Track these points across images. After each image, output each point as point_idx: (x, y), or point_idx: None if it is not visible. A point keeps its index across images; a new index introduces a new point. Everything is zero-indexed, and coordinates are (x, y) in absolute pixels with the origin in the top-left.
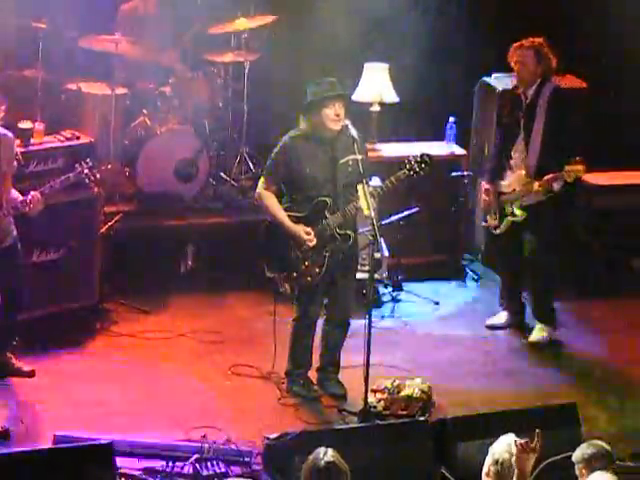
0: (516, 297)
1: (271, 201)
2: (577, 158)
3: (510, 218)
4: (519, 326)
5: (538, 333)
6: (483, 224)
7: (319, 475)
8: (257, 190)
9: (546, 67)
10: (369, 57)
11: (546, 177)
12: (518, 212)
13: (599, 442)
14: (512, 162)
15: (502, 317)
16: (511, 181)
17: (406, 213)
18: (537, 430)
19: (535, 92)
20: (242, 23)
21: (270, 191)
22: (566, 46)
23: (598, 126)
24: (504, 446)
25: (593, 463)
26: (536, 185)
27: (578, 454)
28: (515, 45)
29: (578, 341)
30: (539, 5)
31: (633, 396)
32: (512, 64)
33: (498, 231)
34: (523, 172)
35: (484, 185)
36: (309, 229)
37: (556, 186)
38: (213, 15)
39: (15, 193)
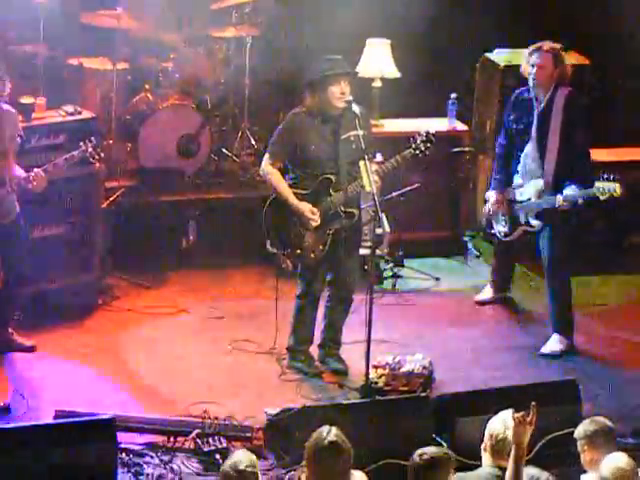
0: (502, 274)
1: (276, 177)
2: (612, 176)
3: (524, 228)
4: (504, 301)
5: (553, 345)
6: (489, 231)
7: (322, 453)
8: (262, 166)
9: (562, 72)
10: (371, 32)
11: (571, 193)
12: (534, 222)
13: (601, 419)
14: (522, 168)
15: (487, 292)
16: (526, 190)
17: (407, 189)
18: (533, 403)
19: (550, 97)
20: None
21: (275, 167)
22: (570, 23)
23: (600, 103)
24: (502, 421)
25: (595, 439)
26: (559, 200)
27: (580, 430)
28: (533, 47)
29: (583, 317)
30: None
31: (632, 372)
32: (527, 66)
33: (509, 238)
34: (540, 182)
35: (493, 195)
36: (314, 208)
37: (580, 200)
38: None
39: (18, 170)
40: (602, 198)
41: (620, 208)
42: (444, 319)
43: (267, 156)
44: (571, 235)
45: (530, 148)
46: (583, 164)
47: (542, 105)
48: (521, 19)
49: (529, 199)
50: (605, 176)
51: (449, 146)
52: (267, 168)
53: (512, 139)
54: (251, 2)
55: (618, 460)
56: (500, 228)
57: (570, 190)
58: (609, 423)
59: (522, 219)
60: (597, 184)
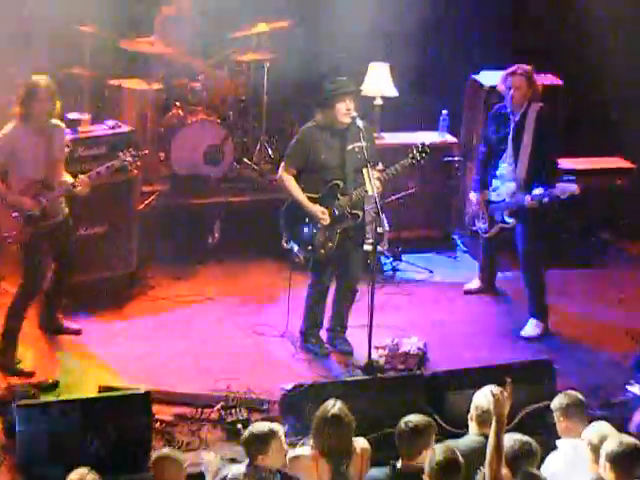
0: (487, 269)
1: (291, 183)
2: (571, 176)
3: (501, 225)
4: (489, 291)
5: (531, 329)
6: (473, 228)
7: (326, 424)
8: (279, 173)
9: (534, 91)
10: (373, 57)
11: (537, 193)
12: (509, 220)
13: (573, 392)
14: (499, 173)
15: (475, 283)
16: (501, 192)
17: (404, 193)
18: (508, 380)
19: (523, 113)
20: (262, 27)
21: (290, 174)
22: (548, 48)
23: (571, 118)
24: (486, 395)
25: (569, 410)
26: (527, 199)
27: (556, 403)
28: (508, 72)
29: (556, 304)
30: (524, 11)
31: (599, 351)
32: (504, 88)
33: (488, 235)
34: (513, 185)
35: (473, 195)
36: (324, 209)
37: (546, 199)
38: (238, 19)
39: (66, 176)
40: (562, 197)
41: (589, 209)
42: (437, 307)
43: (283, 164)
44: (543, 232)
45: (506, 155)
46: (549, 169)
47: (517, 119)
48: (505, 41)
49: (504, 200)
50: (565, 178)
51: (441, 156)
52: (283, 175)
53: (491, 148)
54: (268, 31)
55: (602, 427)
56: (481, 225)
57: (537, 191)
58: (580, 396)
59: (498, 217)
60: (558, 185)
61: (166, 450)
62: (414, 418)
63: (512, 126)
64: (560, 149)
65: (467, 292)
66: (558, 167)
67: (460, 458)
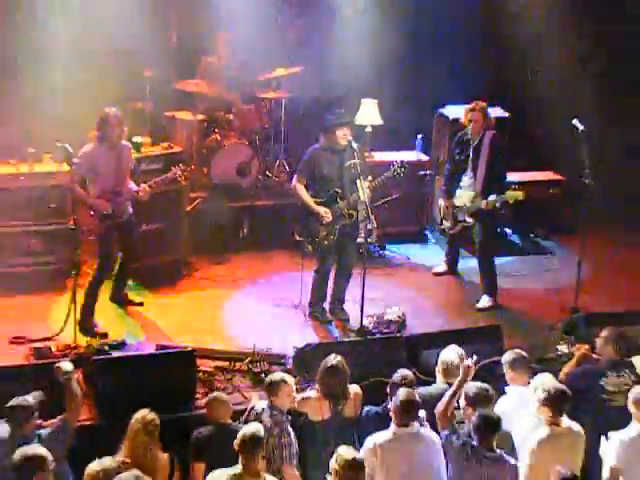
0: (451, 256)
1: (302, 190)
2: (516, 186)
3: (463, 224)
4: (452, 273)
5: (485, 302)
6: (441, 227)
7: (327, 373)
8: (292, 183)
9: (489, 122)
10: (365, 94)
11: (492, 199)
12: (469, 219)
13: (518, 350)
14: (462, 185)
15: (442, 267)
16: (463, 199)
17: (388, 198)
18: (475, 359)
19: (480, 138)
20: (280, 71)
21: (301, 184)
22: (500, 88)
23: (516, 142)
24: (450, 352)
25: (514, 364)
26: (484, 203)
27: (505, 357)
28: (468, 108)
29: (504, 284)
30: (481, 53)
31: (537, 320)
32: (466, 120)
33: (452, 232)
34: (472, 193)
35: (441, 201)
36: (327, 210)
37: (498, 204)
38: (262, 65)
39: (132, 185)
40: (511, 202)
41: (528, 213)
42: (413, 284)
43: (296, 177)
44: (495, 228)
45: (467, 171)
46: (500, 181)
47: (475, 143)
48: (468, 77)
49: (465, 205)
50: (513, 187)
51: (416, 170)
52: (295, 184)
53: (455, 165)
54: (285, 74)
55: (545, 378)
56: (447, 224)
57: (491, 197)
58: (524, 353)
59: (461, 218)
60: (507, 192)
61: (216, 393)
62: (404, 372)
63: (472, 149)
64: (508, 165)
65: (436, 274)
66: (506, 180)
67: (417, 398)
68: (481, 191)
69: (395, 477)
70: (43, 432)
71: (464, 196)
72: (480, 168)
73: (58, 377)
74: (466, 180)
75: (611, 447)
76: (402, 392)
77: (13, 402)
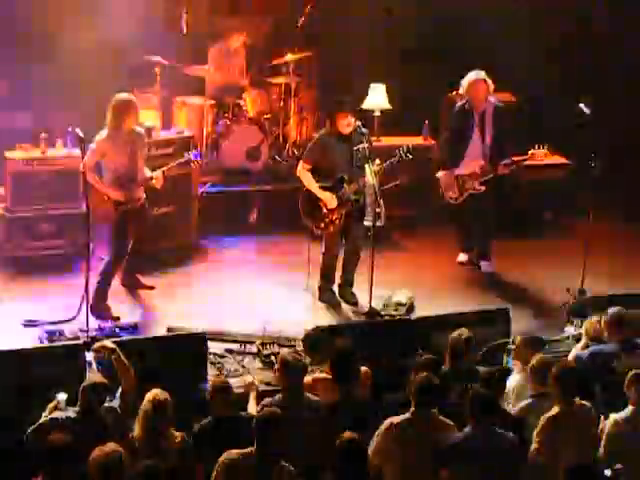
0: (464, 234)
1: (308, 175)
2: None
3: (471, 191)
4: (471, 262)
5: (486, 267)
6: (445, 200)
7: (336, 354)
8: (299, 168)
9: (488, 89)
10: (374, 78)
11: (506, 161)
12: (480, 187)
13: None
14: (467, 153)
15: (462, 257)
16: (472, 166)
17: (394, 183)
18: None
19: (484, 108)
20: (290, 57)
21: (307, 169)
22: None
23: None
24: (458, 334)
25: (528, 346)
26: (500, 167)
27: (516, 339)
28: (470, 81)
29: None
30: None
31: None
32: (470, 92)
33: (458, 201)
34: (482, 161)
35: (440, 173)
36: (334, 195)
37: (507, 170)
38: (272, 50)
39: (146, 170)
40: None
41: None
42: (421, 267)
43: (302, 162)
44: (502, 195)
45: (473, 141)
46: (508, 146)
47: (480, 113)
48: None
49: (474, 172)
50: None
51: (424, 154)
52: (302, 170)
53: (456, 135)
54: (295, 59)
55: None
56: (451, 195)
57: (505, 161)
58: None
59: (469, 186)
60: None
61: (218, 379)
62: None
63: (477, 118)
64: (512, 134)
65: (460, 264)
66: (512, 148)
67: (436, 381)
68: (489, 157)
69: (411, 459)
70: (109, 407)
71: (474, 164)
72: (488, 136)
73: (103, 356)
74: (472, 148)
75: (607, 427)
76: (420, 376)
77: (88, 382)
